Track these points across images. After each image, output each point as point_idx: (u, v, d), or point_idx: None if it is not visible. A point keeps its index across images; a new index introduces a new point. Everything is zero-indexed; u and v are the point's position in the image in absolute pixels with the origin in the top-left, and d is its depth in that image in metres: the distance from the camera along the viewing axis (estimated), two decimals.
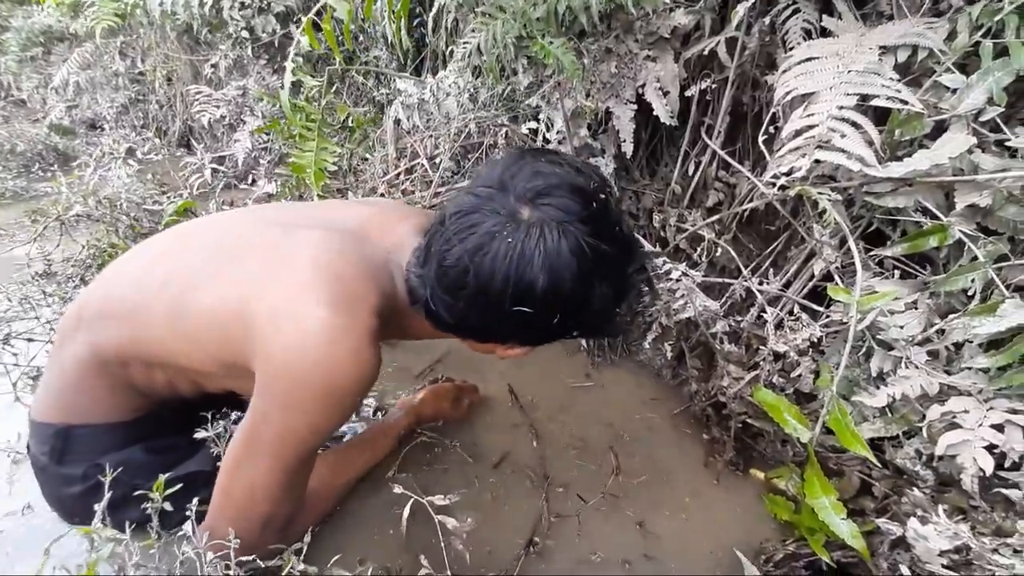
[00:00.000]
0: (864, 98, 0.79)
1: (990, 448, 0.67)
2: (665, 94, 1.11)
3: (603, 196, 0.63)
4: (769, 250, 1.10)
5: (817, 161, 0.79)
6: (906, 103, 0.75)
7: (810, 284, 1.00)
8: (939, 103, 0.77)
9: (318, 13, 1.07)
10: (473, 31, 1.02)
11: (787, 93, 0.86)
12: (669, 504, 0.92)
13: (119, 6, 1.86)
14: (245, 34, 1.88)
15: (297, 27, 2.09)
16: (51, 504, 0.82)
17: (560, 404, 1.12)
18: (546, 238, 0.59)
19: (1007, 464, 0.68)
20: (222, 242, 0.75)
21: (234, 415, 0.74)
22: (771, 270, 1.09)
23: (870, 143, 0.77)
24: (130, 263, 0.79)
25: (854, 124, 0.78)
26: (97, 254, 1.67)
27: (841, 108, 0.79)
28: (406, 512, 0.70)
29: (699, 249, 1.17)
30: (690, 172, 1.25)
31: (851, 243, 0.79)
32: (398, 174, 1.37)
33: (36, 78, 3.51)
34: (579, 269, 0.59)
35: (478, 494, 0.91)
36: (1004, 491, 0.67)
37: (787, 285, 1.04)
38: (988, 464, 0.66)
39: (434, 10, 1.41)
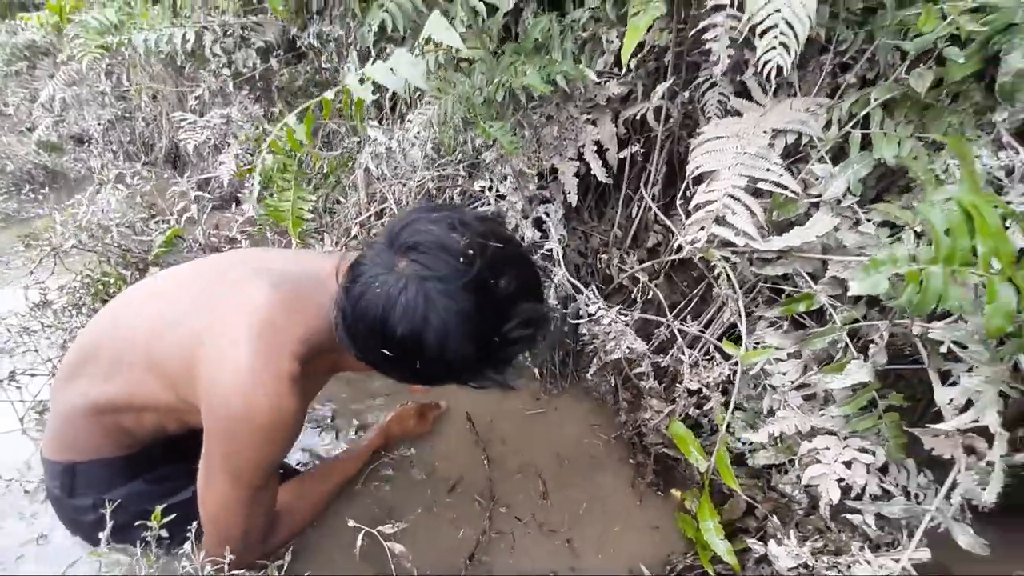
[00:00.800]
0: (752, 179, 0.93)
1: (840, 480, 0.82)
2: (605, 151, 1.25)
3: (471, 256, 0.66)
4: (692, 294, 1.24)
5: (713, 234, 0.93)
6: (785, 188, 0.89)
7: (724, 328, 1.14)
8: (810, 189, 0.90)
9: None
10: (427, 102, 1.14)
11: (696, 168, 1.00)
12: (598, 522, 1.06)
13: (105, 41, 1.95)
14: (226, 71, 1.98)
15: (277, 61, 2.20)
16: (69, 528, 0.97)
17: (514, 429, 1.27)
18: (407, 291, 0.65)
19: (853, 495, 0.83)
20: (190, 292, 0.86)
21: None
22: (694, 312, 1.23)
23: (757, 221, 0.91)
24: (120, 313, 0.91)
25: (744, 204, 0.91)
26: (91, 283, 1.78)
27: (735, 187, 0.93)
28: (359, 542, 0.84)
29: (636, 288, 1.31)
30: (633, 214, 1.39)
31: (739, 304, 0.94)
32: (369, 216, 1.49)
33: (21, 92, 3.56)
34: (437, 322, 0.64)
35: (431, 514, 1.05)
36: (849, 516, 0.82)
37: (707, 326, 1.18)
38: (836, 494, 0.81)
39: None
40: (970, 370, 0.69)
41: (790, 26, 0.73)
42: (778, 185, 0.89)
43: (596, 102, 1.22)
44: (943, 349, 0.72)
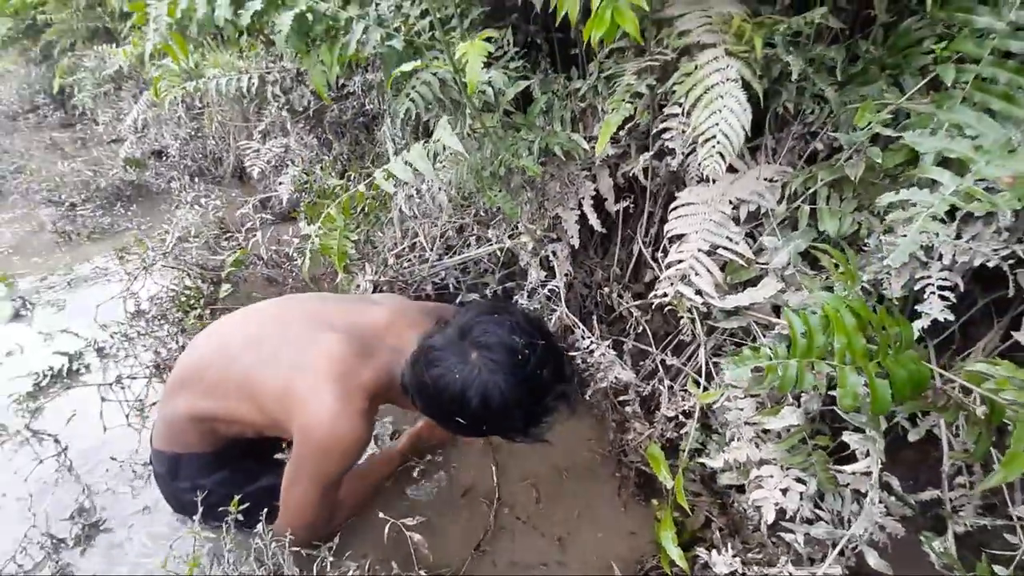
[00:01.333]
0: (714, 245, 1.09)
1: (776, 504, 0.99)
2: (604, 201, 1.42)
3: (528, 353, 0.96)
4: (679, 329, 1.40)
5: (680, 291, 1.10)
6: (741, 256, 1.05)
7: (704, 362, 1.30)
8: (761, 256, 1.06)
9: None
10: (444, 166, 1.35)
11: (669, 230, 1.16)
12: (586, 526, 1.26)
13: (185, 86, 2.26)
14: (285, 113, 2.25)
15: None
16: (171, 504, 1.26)
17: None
18: (483, 377, 0.94)
19: (789, 516, 0.99)
20: (274, 330, 1.13)
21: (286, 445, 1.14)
22: (680, 345, 1.39)
23: (716, 281, 1.07)
24: (221, 341, 1.18)
25: (706, 266, 1.08)
26: (175, 296, 2.10)
27: (699, 251, 1.09)
28: (386, 531, 1.08)
29: (632, 319, 1.48)
30: (633, 252, 1.56)
31: (703, 349, 1.10)
32: (402, 249, 1.73)
33: (110, 111, 4.01)
34: (500, 401, 0.94)
35: (447, 511, 1.28)
36: (784, 535, 0.99)
37: (689, 359, 1.35)
38: (771, 516, 0.98)
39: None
40: (855, 430, 0.84)
41: (727, 136, 0.89)
42: (734, 253, 1.05)
43: (595, 160, 1.39)
44: None
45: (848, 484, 0.93)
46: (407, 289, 1.72)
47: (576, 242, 1.47)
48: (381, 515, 1.09)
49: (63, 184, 3.24)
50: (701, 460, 1.11)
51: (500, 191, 1.18)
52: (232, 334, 1.17)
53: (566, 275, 1.50)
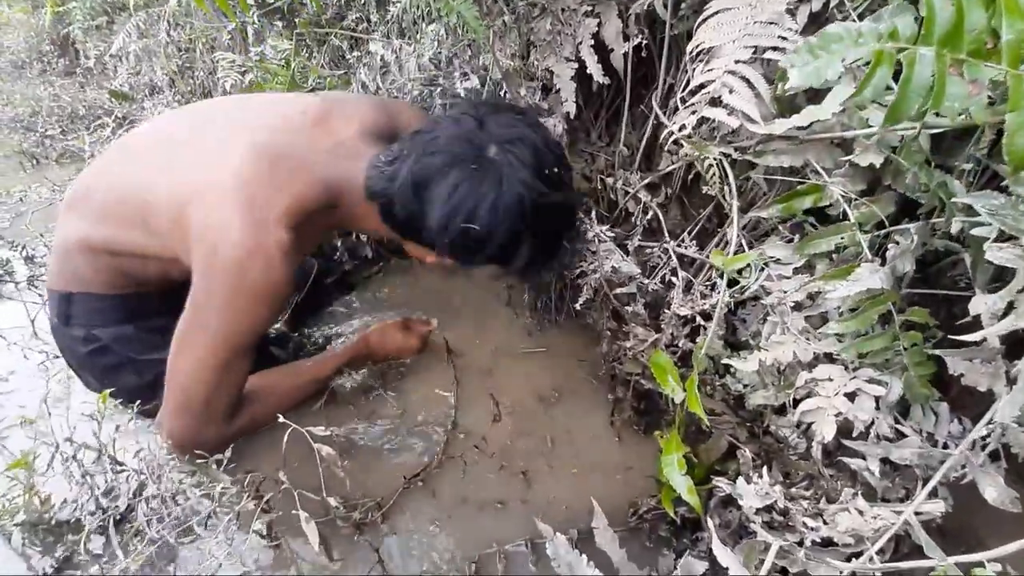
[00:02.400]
0: (759, 49, 0.75)
1: (838, 415, 0.66)
2: (609, 52, 1.09)
3: (557, 167, 0.76)
4: (700, 216, 1.07)
5: (703, 119, 0.77)
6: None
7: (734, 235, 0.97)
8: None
9: None
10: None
11: (696, 46, 0.83)
12: (564, 458, 0.95)
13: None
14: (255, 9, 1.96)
15: None
16: (64, 357, 0.98)
17: (497, 361, 1.16)
18: (502, 184, 0.71)
19: (855, 434, 0.66)
20: (181, 138, 0.87)
21: None
22: (700, 238, 1.06)
23: (760, 101, 0.73)
24: (110, 152, 0.94)
25: (744, 78, 0.74)
26: None
27: (737, 62, 0.76)
28: (284, 438, 0.78)
29: (639, 209, 1.15)
30: (647, 131, 1.22)
31: (733, 205, 0.77)
32: None
33: (101, 46, 3.80)
34: (518, 220, 0.72)
35: (386, 436, 0.98)
36: (847, 461, 0.66)
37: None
38: (830, 432, 0.65)
39: None
40: (1009, 239, 0.50)
41: None
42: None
43: None
44: (986, 235, 0.53)
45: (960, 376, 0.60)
46: None
47: (572, 107, 1.14)
48: (281, 418, 0.79)
49: (39, 111, 3.05)
50: (725, 362, 0.78)
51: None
52: (131, 146, 0.92)
53: None
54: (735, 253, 0.79)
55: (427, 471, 0.91)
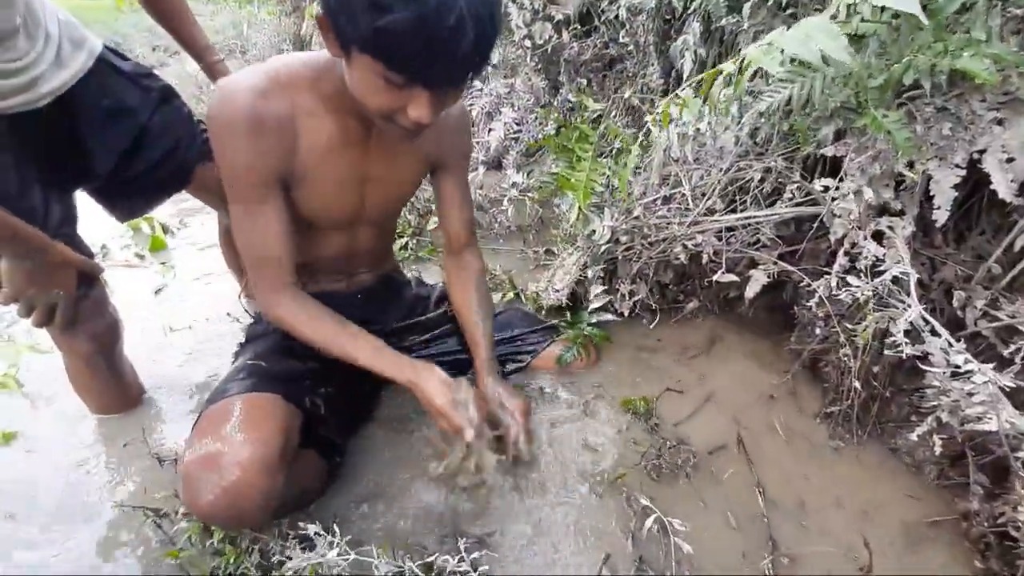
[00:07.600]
0: None
1: None
2: (1010, 162, 0.95)
3: None
4: None
5: None
6: None
7: None
8: None
9: None
10: (768, 82, 0.99)
11: None
12: None
13: None
14: (527, 42, 2.05)
15: (569, 33, 2.21)
16: None
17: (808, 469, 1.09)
18: None
19: None
20: None
21: None
22: None
23: None
24: None
25: None
26: None
27: None
28: None
29: (1012, 345, 0.99)
30: (1016, 248, 1.06)
31: None
32: (655, 200, 1.41)
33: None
34: None
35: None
36: None
37: None
38: None
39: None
40: None
41: None
42: None
43: (1016, 96, 0.93)
44: None
45: None
46: (650, 249, 1.40)
47: (943, 216, 1.02)
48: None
49: None
50: None
51: (892, 114, 0.79)
52: None
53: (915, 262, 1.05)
54: None
55: None
